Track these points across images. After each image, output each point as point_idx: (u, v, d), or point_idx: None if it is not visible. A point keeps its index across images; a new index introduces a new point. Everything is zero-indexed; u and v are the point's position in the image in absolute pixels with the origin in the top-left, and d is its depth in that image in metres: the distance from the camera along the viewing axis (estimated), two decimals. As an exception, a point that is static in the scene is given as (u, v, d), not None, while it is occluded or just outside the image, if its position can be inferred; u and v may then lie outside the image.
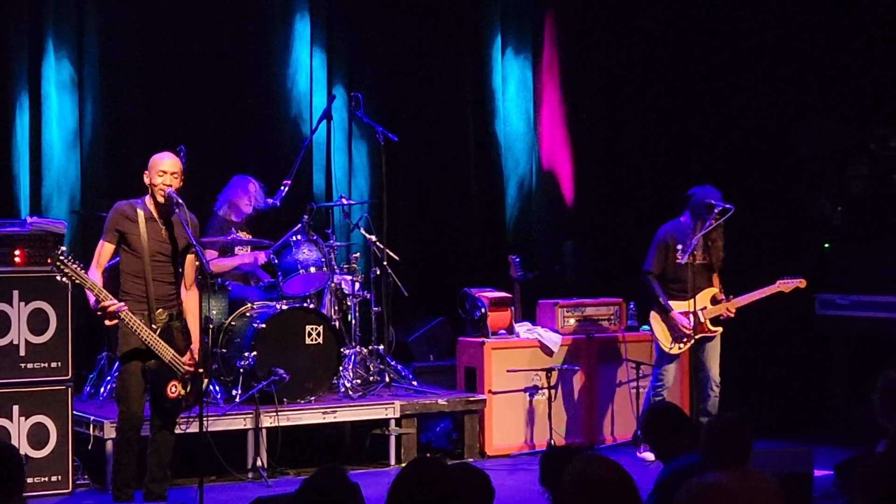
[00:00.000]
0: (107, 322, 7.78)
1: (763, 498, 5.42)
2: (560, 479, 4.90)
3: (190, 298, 8.04)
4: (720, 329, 10.23)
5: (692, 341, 10.23)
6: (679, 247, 10.13)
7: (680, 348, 10.27)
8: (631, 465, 4.97)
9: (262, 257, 10.55)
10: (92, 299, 7.77)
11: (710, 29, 12.91)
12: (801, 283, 10.37)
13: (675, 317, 10.19)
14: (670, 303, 10.22)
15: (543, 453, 6.55)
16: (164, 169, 7.94)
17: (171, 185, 7.90)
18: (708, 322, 10.23)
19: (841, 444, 10.00)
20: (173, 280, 7.99)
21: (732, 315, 10.20)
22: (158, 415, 8.01)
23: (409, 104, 12.62)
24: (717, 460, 5.49)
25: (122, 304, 7.73)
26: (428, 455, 9.51)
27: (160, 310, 7.88)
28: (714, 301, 10.27)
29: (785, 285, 10.36)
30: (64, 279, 7.67)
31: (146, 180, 7.98)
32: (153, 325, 7.83)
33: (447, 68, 12.83)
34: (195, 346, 7.94)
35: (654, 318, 10.35)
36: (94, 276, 7.82)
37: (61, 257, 7.60)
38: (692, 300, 10.09)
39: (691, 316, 10.16)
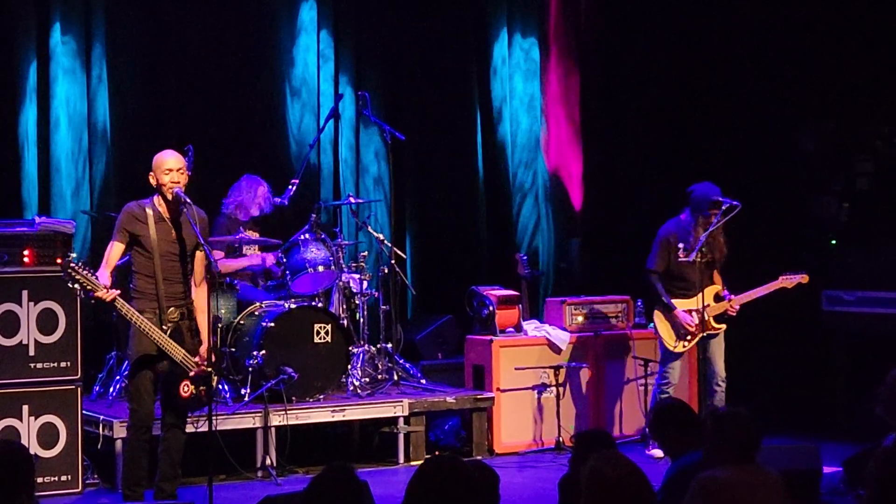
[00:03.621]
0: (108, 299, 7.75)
1: (766, 492, 5.43)
2: (588, 460, 4.93)
3: (199, 296, 8.05)
4: (724, 326, 10.24)
5: (696, 339, 10.26)
6: (681, 245, 10.16)
7: (684, 346, 10.28)
8: (639, 462, 4.97)
9: (269, 259, 10.57)
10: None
11: (713, 28, 12.91)
12: (804, 278, 10.34)
13: (679, 315, 10.21)
14: (674, 301, 10.25)
15: (577, 434, 6.66)
16: (170, 167, 7.94)
17: (178, 183, 7.91)
18: (712, 319, 10.23)
19: (848, 439, 9.99)
20: (183, 279, 8.00)
21: (736, 312, 10.20)
22: (170, 414, 8.03)
23: (416, 102, 12.64)
24: (723, 457, 5.50)
25: (114, 290, 7.72)
26: (440, 453, 9.57)
27: (171, 308, 7.89)
28: (717, 298, 10.29)
29: (788, 281, 10.35)
30: (76, 286, 7.68)
31: (152, 181, 7.98)
32: (164, 325, 7.85)
33: (454, 66, 12.84)
34: (204, 346, 7.96)
35: (658, 316, 10.38)
36: (104, 274, 7.83)
37: (72, 264, 7.61)
38: (698, 297, 10.13)
39: (695, 314, 10.19)
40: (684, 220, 10.27)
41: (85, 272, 7.63)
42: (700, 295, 10.13)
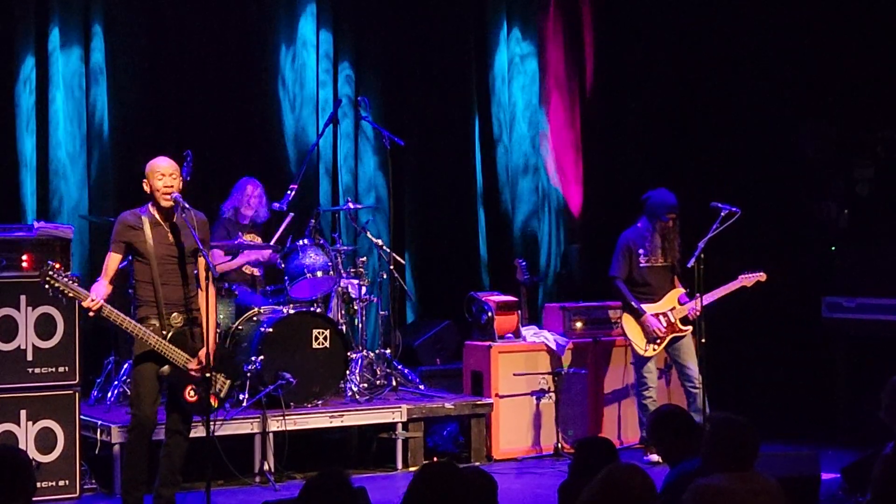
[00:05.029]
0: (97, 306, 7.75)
1: (764, 499, 5.41)
2: (588, 468, 4.91)
3: (201, 300, 8.05)
4: (690, 328, 10.31)
5: (665, 342, 10.35)
6: (640, 251, 10.36)
7: (654, 349, 10.38)
8: (637, 468, 4.97)
9: (265, 253, 10.55)
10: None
11: (713, 28, 12.89)
12: (762, 276, 10.44)
13: (648, 319, 10.31)
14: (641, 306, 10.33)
15: (579, 441, 6.65)
16: (163, 172, 7.96)
17: (172, 187, 7.92)
18: (678, 322, 10.33)
19: (847, 446, 9.99)
20: (184, 283, 7.98)
21: (699, 313, 10.20)
22: (174, 419, 8.01)
23: (416, 107, 12.62)
24: (721, 464, 5.48)
25: (99, 300, 7.72)
26: (437, 459, 9.56)
27: (174, 314, 7.89)
28: (680, 301, 10.34)
29: (747, 280, 10.46)
30: (58, 295, 7.70)
31: (146, 188, 7.99)
32: (164, 331, 7.84)
33: (454, 70, 12.83)
34: (203, 349, 7.95)
35: (627, 321, 10.48)
36: (102, 285, 7.85)
37: (50, 272, 7.64)
38: (663, 300, 10.37)
39: (662, 317, 10.29)
40: (641, 226, 10.46)
41: (64, 279, 7.63)
42: (664, 298, 10.38)
